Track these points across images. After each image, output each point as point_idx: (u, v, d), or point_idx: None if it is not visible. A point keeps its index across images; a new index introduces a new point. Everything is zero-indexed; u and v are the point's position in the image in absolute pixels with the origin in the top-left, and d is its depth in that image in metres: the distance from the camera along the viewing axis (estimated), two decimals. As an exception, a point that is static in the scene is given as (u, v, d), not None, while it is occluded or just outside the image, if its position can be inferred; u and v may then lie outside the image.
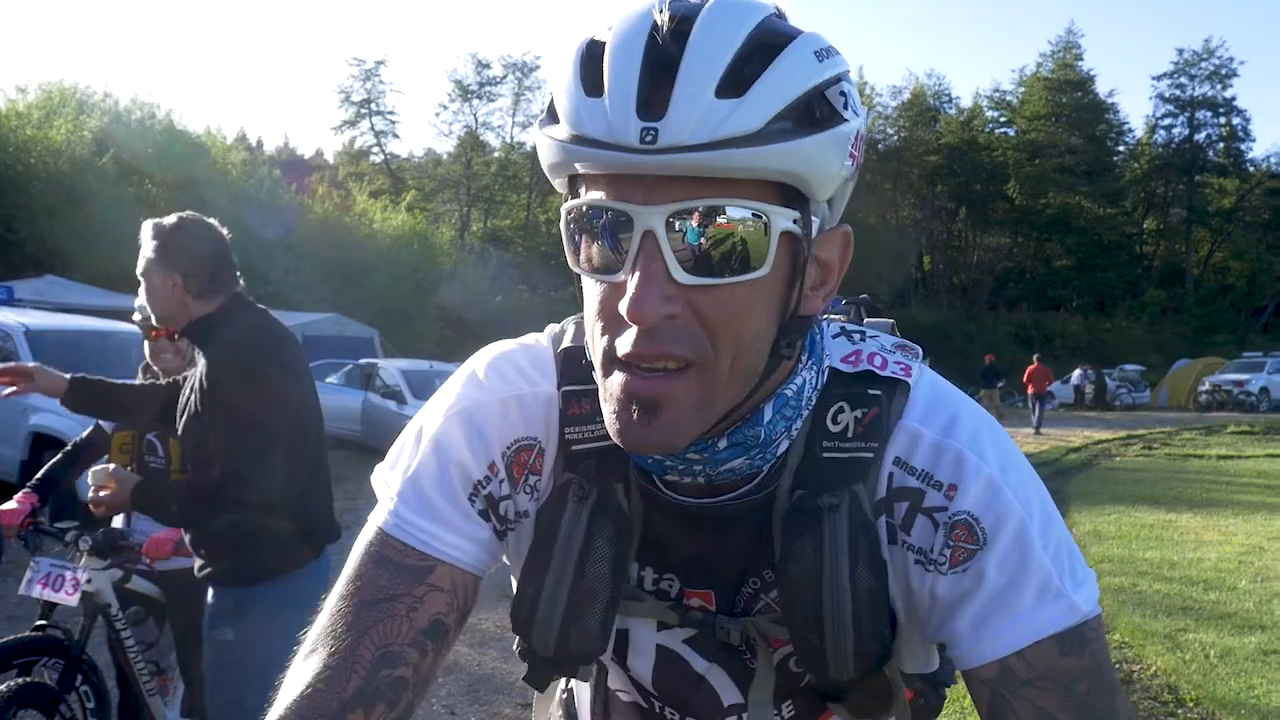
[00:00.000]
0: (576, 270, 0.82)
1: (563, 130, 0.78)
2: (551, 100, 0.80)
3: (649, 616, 0.99)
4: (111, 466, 2.75)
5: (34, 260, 20.16)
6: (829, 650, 0.87)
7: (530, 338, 1.02)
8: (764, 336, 0.81)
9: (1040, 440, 19.18)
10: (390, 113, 54.98)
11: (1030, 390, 22.47)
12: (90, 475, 2.73)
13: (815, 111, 0.76)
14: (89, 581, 3.20)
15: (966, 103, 59.18)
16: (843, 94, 0.79)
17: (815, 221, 0.80)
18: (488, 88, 51.24)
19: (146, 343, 3.37)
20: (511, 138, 52.73)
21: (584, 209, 0.78)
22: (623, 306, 0.75)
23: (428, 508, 0.93)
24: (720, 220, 0.74)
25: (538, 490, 0.97)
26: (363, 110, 54.27)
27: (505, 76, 51.29)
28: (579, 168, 0.77)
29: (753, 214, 0.75)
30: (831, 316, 1.10)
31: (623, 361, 0.79)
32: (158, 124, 29.54)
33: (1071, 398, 32.89)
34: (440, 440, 0.95)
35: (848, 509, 0.87)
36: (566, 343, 0.99)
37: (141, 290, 2.68)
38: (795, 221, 0.78)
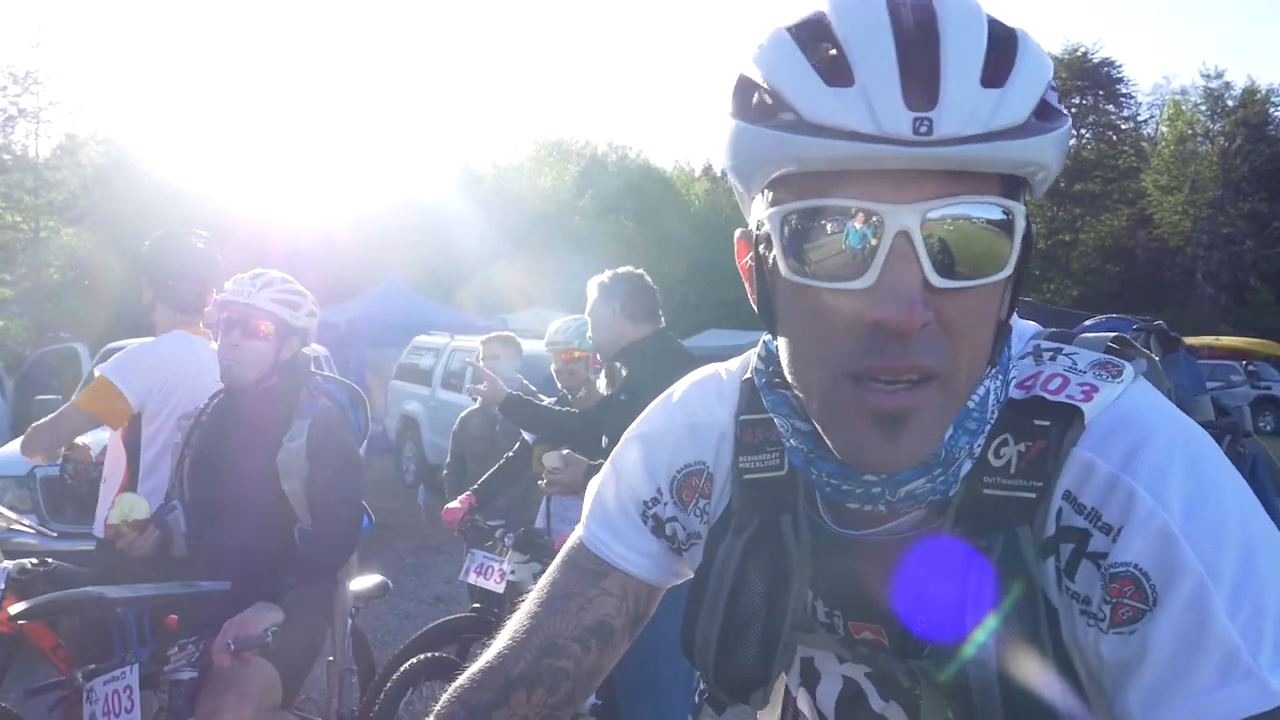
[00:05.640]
0: (796, 279, 0.75)
1: (800, 124, 0.71)
2: (758, 92, 0.75)
3: (823, 648, 0.97)
4: (565, 451, 3.27)
5: (526, 294, 22.72)
6: (976, 706, 0.80)
7: (726, 364, 1.05)
8: (990, 343, 0.77)
9: None
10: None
11: None
12: (545, 459, 3.19)
13: (1049, 106, 0.74)
14: (512, 573, 3.62)
15: None
16: (1054, 90, 0.75)
17: None
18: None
19: (553, 364, 4.12)
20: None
21: (819, 209, 0.73)
22: (876, 314, 0.71)
23: (608, 521, 1.04)
24: (975, 218, 0.72)
25: (708, 514, 1.01)
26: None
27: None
28: (820, 165, 0.71)
29: (1002, 211, 0.73)
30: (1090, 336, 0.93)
31: (859, 376, 0.74)
32: (631, 164, 32.17)
33: None
34: (619, 462, 1.06)
35: (1000, 553, 0.79)
36: (747, 374, 0.99)
37: (587, 328, 3.49)
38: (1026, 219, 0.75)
